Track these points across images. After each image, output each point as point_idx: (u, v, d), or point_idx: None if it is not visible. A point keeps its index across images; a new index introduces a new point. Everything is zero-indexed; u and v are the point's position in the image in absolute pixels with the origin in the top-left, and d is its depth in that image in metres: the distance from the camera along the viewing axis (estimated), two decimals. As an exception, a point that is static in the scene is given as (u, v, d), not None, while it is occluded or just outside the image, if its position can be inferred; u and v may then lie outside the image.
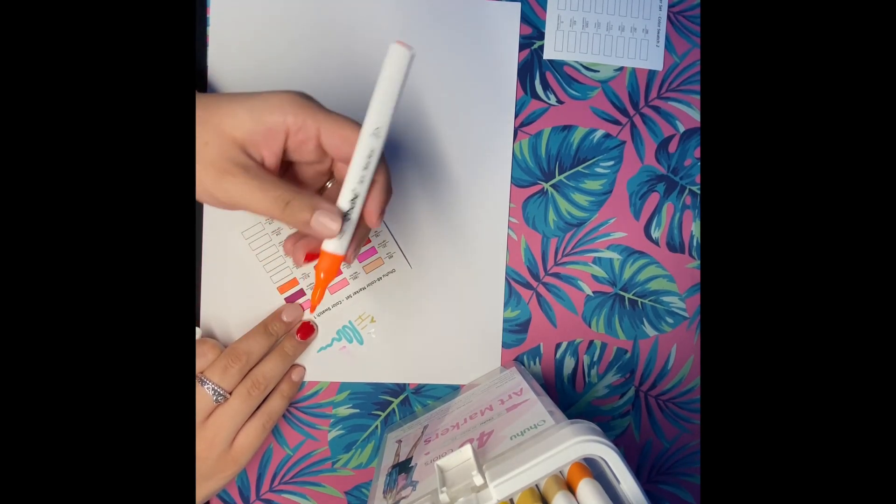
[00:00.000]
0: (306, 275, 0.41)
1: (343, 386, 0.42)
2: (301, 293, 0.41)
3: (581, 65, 0.44)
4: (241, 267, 0.39)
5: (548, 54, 0.43)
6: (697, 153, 0.45)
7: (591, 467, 0.28)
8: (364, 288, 0.42)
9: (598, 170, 0.44)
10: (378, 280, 0.42)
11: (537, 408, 0.32)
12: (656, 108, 0.44)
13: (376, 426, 0.43)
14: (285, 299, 0.41)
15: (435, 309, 0.43)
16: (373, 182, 0.31)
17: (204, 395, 0.36)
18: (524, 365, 0.44)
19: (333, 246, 0.32)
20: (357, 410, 0.43)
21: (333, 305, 0.42)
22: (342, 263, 0.33)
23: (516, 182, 0.43)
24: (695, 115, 0.45)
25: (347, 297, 0.42)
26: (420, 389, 0.43)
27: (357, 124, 0.31)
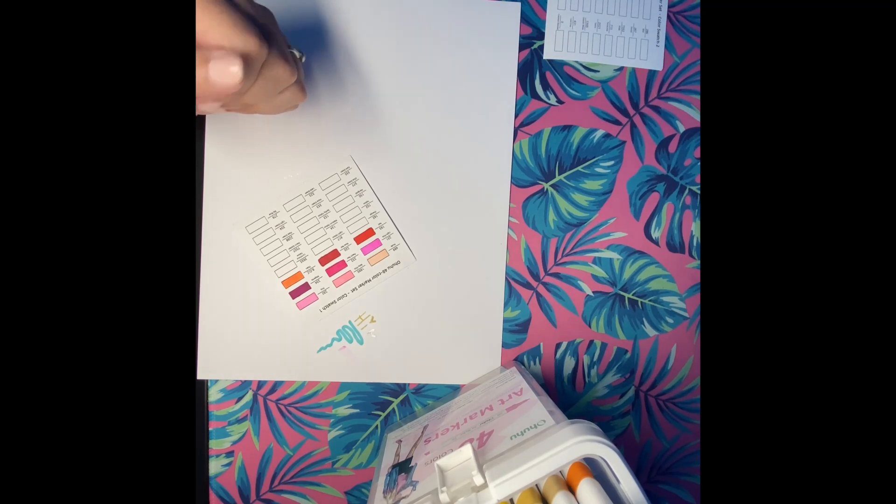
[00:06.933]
0: (311, 268, 0.41)
1: (343, 386, 0.42)
2: (306, 286, 0.41)
3: (581, 65, 0.44)
4: (244, 261, 0.39)
5: (548, 54, 0.43)
6: (697, 153, 0.45)
7: (591, 467, 0.28)
8: (369, 280, 0.42)
9: (598, 170, 0.44)
10: (383, 272, 0.42)
11: (537, 408, 0.32)
12: (656, 108, 0.44)
13: (376, 426, 0.43)
14: (290, 293, 0.41)
15: (435, 309, 0.43)
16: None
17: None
18: (524, 365, 0.44)
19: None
20: (357, 410, 0.43)
21: (339, 298, 0.42)
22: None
23: (516, 182, 0.43)
24: (695, 115, 0.45)
25: (353, 290, 0.42)
26: (420, 389, 0.43)
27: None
